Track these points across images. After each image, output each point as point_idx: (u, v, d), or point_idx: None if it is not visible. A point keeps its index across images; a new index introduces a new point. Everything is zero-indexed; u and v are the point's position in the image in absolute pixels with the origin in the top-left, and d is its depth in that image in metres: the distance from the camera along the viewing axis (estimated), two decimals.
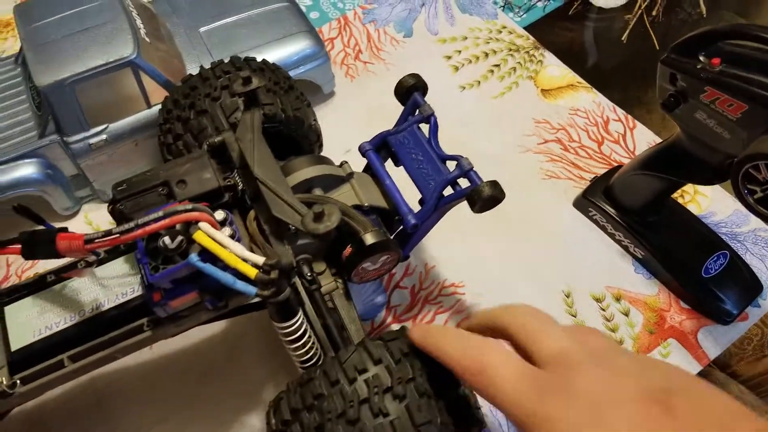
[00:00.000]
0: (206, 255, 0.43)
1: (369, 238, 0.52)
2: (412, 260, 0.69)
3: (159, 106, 0.68)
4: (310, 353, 0.50)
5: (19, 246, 0.46)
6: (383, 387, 0.44)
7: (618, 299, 0.66)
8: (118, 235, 0.43)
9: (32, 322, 0.49)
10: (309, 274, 0.53)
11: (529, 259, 0.69)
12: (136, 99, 0.69)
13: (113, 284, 0.50)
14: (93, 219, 0.73)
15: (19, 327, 0.49)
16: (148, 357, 0.64)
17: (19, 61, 0.75)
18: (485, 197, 0.51)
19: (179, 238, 0.44)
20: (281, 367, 0.63)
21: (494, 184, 0.52)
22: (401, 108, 0.58)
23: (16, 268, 0.71)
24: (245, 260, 0.43)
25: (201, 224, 0.43)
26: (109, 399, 0.61)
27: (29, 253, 0.46)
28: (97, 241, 0.43)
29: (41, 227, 0.47)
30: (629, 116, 0.80)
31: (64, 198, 0.71)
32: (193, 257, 0.42)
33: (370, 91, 0.82)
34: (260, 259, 0.43)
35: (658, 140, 0.77)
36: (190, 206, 0.43)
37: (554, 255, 0.69)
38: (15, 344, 0.48)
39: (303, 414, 0.45)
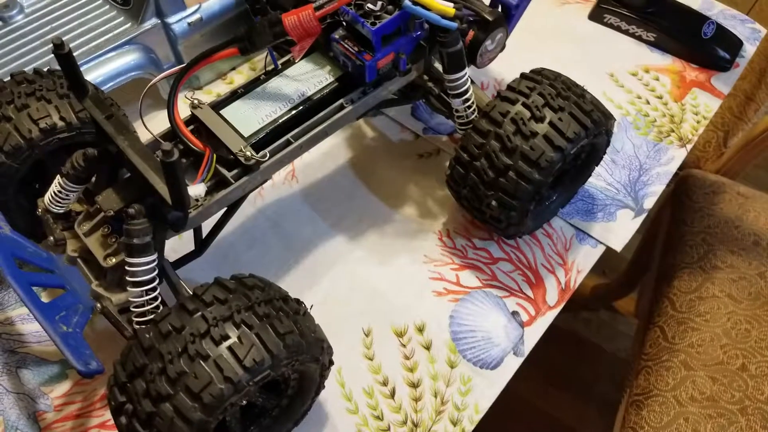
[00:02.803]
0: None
1: (489, 16, 0.64)
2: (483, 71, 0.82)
3: None
4: (474, 107, 0.62)
5: (235, 47, 0.54)
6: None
7: (647, 71, 0.83)
8: None
9: (251, 115, 0.57)
10: None
11: (564, 62, 0.84)
12: None
13: (306, 77, 0.59)
14: None
15: (241, 121, 0.56)
16: (298, 188, 0.72)
17: None
18: None
19: (380, 1, 0.55)
20: (412, 171, 0.74)
21: None
22: None
23: None
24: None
25: None
26: (282, 222, 0.69)
27: (250, 47, 0.54)
28: (326, 6, 0.52)
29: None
30: None
31: (165, 83, 0.77)
32: (408, 3, 0.53)
33: None
34: (450, 4, 0.54)
35: None
36: None
37: (585, 54, 0.85)
38: (245, 132, 0.55)
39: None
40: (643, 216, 0.70)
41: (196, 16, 0.75)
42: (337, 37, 0.57)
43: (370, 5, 0.54)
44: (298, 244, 0.68)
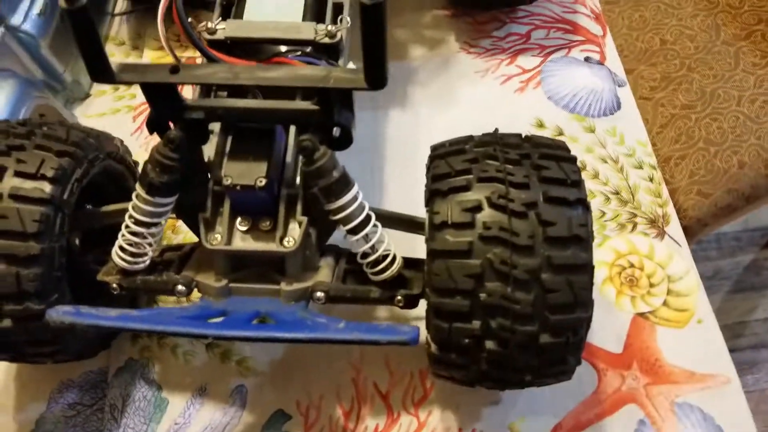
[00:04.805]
0: None
1: None
2: None
3: None
4: None
5: None
6: None
7: None
8: None
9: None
10: None
11: None
12: None
13: None
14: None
15: (279, 11, 0.43)
16: None
17: None
18: None
19: None
20: None
21: None
22: None
23: None
24: None
25: None
26: None
27: None
28: None
29: None
30: None
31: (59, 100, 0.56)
32: None
33: None
34: None
35: None
36: None
37: None
38: (295, 17, 0.43)
39: None
40: None
41: (40, 1, 0.54)
42: None
43: None
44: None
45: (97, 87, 0.63)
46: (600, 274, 0.49)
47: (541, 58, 0.61)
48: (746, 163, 0.82)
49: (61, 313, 0.35)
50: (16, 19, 0.53)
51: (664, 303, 0.49)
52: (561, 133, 0.56)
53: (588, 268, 0.33)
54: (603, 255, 0.50)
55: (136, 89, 0.62)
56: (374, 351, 0.46)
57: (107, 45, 0.66)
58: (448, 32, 0.64)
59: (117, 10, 0.68)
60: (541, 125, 0.57)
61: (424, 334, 0.37)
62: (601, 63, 0.61)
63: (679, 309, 0.48)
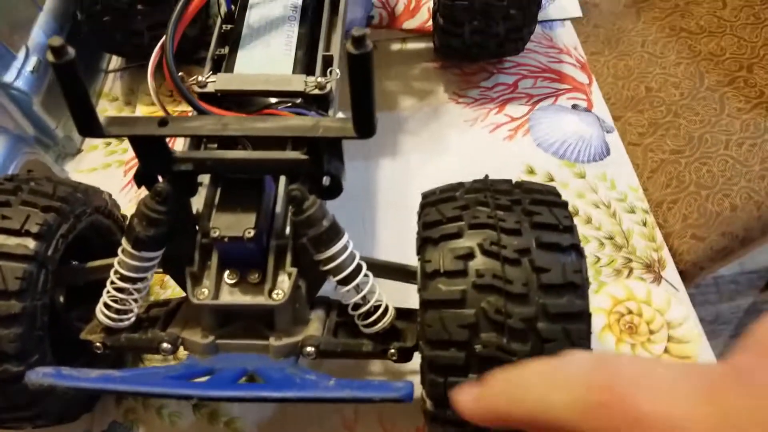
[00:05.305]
0: None
1: None
2: None
3: None
4: None
5: None
6: None
7: None
8: None
9: (271, 53, 0.44)
10: None
11: None
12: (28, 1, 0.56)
13: None
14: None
15: (269, 63, 0.44)
16: None
17: None
18: None
19: None
20: None
21: None
22: None
23: None
24: None
25: None
26: None
27: None
28: None
29: None
30: None
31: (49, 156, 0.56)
32: None
33: None
34: None
35: None
36: None
37: None
38: (285, 69, 0.43)
39: None
40: None
41: (33, 59, 0.55)
42: None
43: None
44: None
45: (89, 142, 0.63)
46: (598, 321, 0.48)
47: (529, 107, 0.62)
48: (738, 206, 0.82)
49: (41, 375, 0.34)
50: (9, 77, 0.53)
51: (666, 350, 0.47)
52: (551, 179, 0.56)
53: (585, 316, 0.33)
54: (600, 301, 0.49)
55: (128, 144, 0.62)
56: (368, 408, 0.44)
57: (100, 101, 0.67)
58: (436, 83, 0.65)
59: (111, 67, 0.69)
60: (531, 171, 0.57)
61: (419, 390, 0.36)
62: (588, 110, 0.62)
63: (682, 356, 0.47)
